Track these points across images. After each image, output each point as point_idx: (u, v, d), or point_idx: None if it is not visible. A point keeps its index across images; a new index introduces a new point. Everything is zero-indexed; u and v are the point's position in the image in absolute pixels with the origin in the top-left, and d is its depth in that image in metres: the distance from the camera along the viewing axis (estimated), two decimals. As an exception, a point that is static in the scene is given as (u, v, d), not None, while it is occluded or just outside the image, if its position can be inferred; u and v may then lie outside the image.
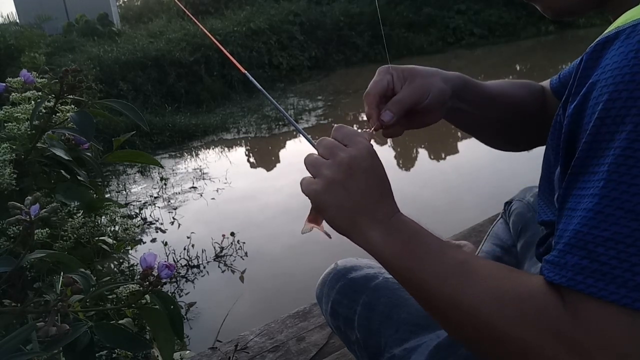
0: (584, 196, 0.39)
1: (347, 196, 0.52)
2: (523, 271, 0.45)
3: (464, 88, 0.65)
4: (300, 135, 0.65)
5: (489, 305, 0.42)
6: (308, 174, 0.55)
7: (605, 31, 0.43)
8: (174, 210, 3.57)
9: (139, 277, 0.57)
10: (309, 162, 0.55)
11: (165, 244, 2.96)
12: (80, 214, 0.89)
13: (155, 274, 0.56)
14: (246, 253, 2.86)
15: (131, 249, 2.17)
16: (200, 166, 4.58)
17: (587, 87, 0.41)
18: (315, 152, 0.62)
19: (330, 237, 0.58)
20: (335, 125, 0.57)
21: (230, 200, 3.71)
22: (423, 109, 0.62)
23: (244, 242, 2.93)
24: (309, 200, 0.55)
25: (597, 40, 0.43)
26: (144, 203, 3.76)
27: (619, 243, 0.36)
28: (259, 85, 0.68)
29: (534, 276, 0.42)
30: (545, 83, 0.77)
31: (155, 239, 3.16)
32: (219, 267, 2.77)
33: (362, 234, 0.51)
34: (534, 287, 0.41)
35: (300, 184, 0.55)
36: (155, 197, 3.87)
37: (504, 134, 0.74)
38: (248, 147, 5.29)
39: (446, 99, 0.63)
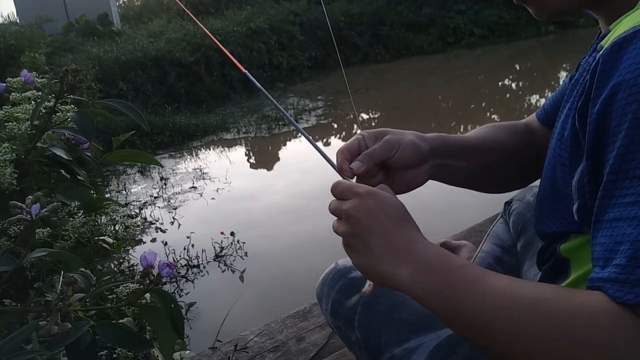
0: (633, 203, 0.37)
1: (364, 248, 0.51)
2: (570, 289, 0.43)
3: (443, 143, 0.66)
4: (301, 135, 0.66)
5: (552, 334, 0.39)
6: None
7: (617, 32, 0.43)
8: (174, 210, 3.56)
9: (139, 276, 0.57)
10: (334, 227, 0.56)
11: (165, 243, 2.96)
12: (80, 214, 0.89)
13: (156, 273, 0.56)
14: (246, 253, 2.86)
15: (131, 249, 2.17)
16: (200, 166, 4.58)
17: (611, 89, 0.40)
18: (313, 147, 0.62)
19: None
20: (334, 183, 0.57)
21: (230, 200, 3.71)
22: (399, 165, 0.62)
23: (244, 242, 2.93)
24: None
25: (613, 41, 0.42)
26: (144, 203, 3.76)
27: None
28: (259, 85, 0.68)
29: (591, 294, 0.39)
30: (530, 118, 0.78)
31: (155, 239, 3.16)
32: (219, 267, 2.76)
33: (392, 280, 0.49)
34: (598, 308, 0.38)
35: None
36: (155, 197, 3.87)
37: (497, 177, 0.75)
38: (248, 147, 5.29)
39: (422, 155, 0.63)
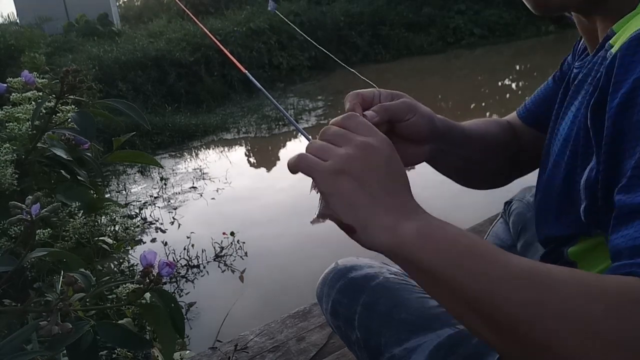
0: None
1: (365, 186, 0.43)
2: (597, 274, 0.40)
3: (450, 128, 0.64)
4: (301, 135, 0.63)
5: (595, 313, 0.34)
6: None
7: (630, 29, 0.43)
8: (174, 210, 3.57)
9: (139, 275, 0.57)
10: (315, 147, 0.48)
11: (165, 244, 2.96)
12: (80, 214, 0.89)
13: (156, 272, 0.56)
14: (246, 253, 2.86)
15: (131, 249, 2.17)
16: (200, 166, 4.58)
17: (633, 83, 0.39)
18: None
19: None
20: (347, 114, 0.50)
21: (230, 200, 3.71)
22: (409, 132, 0.57)
23: (244, 242, 2.93)
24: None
25: (631, 36, 0.42)
26: (144, 203, 3.76)
27: None
28: (259, 85, 0.68)
29: (620, 279, 0.36)
30: (511, 116, 0.79)
31: (155, 239, 3.16)
32: (219, 267, 2.77)
33: (390, 233, 0.42)
34: (633, 290, 0.34)
35: (297, 160, 0.47)
36: (155, 197, 3.87)
37: (482, 171, 0.74)
38: (248, 147, 5.29)
39: (432, 132, 0.59)
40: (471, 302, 0.38)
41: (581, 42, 0.67)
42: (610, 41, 0.47)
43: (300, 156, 0.48)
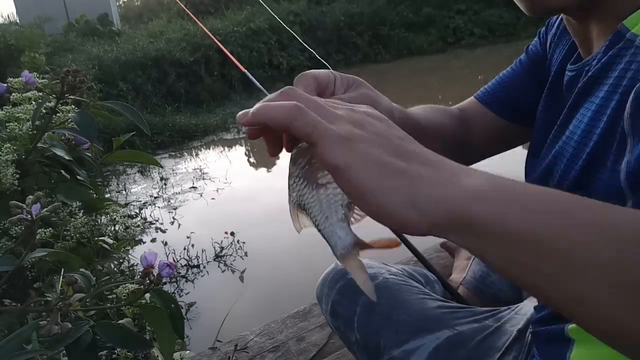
0: None
1: (391, 141, 0.32)
2: None
3: (406, 121, 0.59)
4: None
5: None
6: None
7: None
8: (174, 210, 3.57)
9: (139, 276, 0.57)
10: (309, 117, 0.31)
11: (165, 244, 2.96)
12: (81, 214, 0.89)
13: (156, 273, 0.56)
14: (246, 253, 2.87)
15: (131, 249, 2.17)
16: (200, 166, 4.58)
17: None
18: None
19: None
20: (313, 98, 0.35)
21: (230, 200, 3.71)
22: None
23: (244, 242, 2.93)
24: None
25: None
26: (144, 203, 3.76)
27: None
28: (257, 84, 0.68)
29: None
30: (464, 104, 0.77)
31: (155, 239, 3.16)
32: (219, 267, 2.77)
33: (447, 183, 0.30)
34: None
35: (294, 110, 0.30)
36: (155, 197, 3.87)
37: None
38: (248, 147, 5.29)
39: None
40: (602, 272, 0.26)
41: (553, 31, 0.66)
42: (634, 30, 0.45)
43: (297, 107, 0.31)
